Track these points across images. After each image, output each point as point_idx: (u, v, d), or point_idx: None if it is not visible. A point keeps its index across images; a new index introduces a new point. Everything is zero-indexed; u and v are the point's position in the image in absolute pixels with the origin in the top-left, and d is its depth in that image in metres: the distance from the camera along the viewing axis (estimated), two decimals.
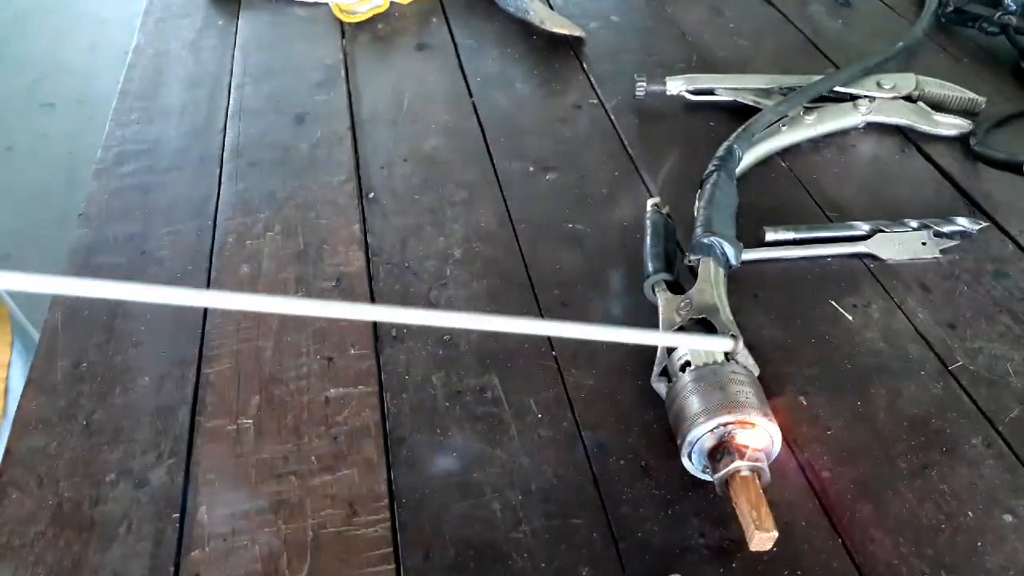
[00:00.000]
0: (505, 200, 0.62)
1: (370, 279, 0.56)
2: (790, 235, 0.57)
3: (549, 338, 0.51)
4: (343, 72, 0.77)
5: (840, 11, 0.85)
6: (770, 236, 0.56)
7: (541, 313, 0.52)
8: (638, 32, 0.83)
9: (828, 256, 0.56)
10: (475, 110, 0.72)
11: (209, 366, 0.50)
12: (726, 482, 0.40)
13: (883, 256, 0.56)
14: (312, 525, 0.42)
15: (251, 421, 0.47)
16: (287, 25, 0.86)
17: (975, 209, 0.60)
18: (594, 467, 0.44)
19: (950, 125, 0.66)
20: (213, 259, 0.58)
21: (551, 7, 0.87)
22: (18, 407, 0.48)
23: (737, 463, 0.40)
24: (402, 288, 0.55)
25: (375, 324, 0.52)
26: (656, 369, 0.46)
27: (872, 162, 0.65)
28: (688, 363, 0.44)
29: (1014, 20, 0.75)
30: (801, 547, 0.40)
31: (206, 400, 0.48)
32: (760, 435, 0.41)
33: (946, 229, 0.57)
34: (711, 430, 0.41)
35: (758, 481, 0.40)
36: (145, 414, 0.47)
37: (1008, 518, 0.41)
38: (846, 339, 0.51)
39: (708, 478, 0.42)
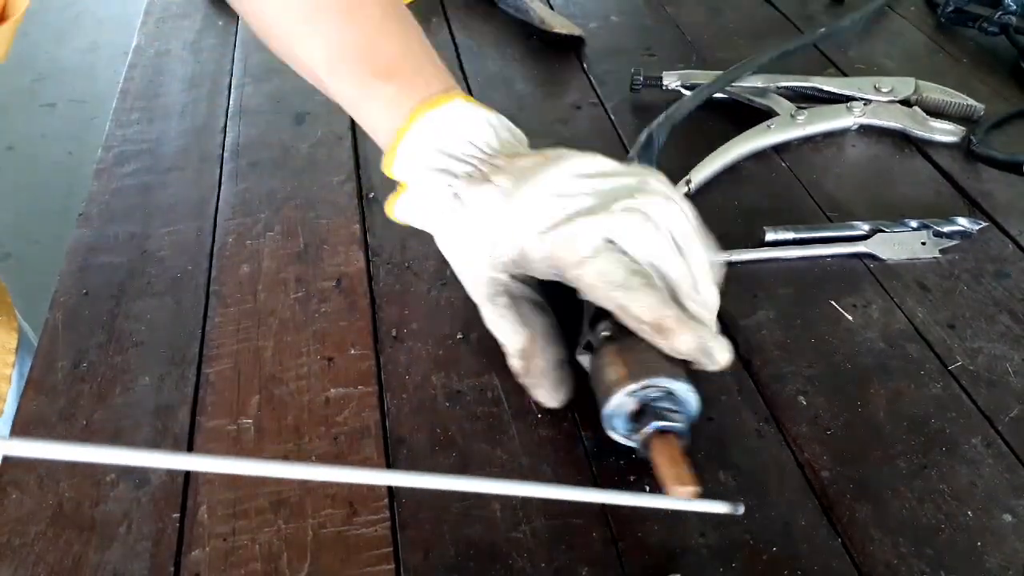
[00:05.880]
0: None
1: (370, 279, 0.56)
2: (790, 235, 0.57)
3: None
4: None
5: (839, 11, 0.85)
6: (770, 236, 0.56)
7: None
8: (638, 32, 0.83)
9: (828, 256, 0.56)
10: None
11: (209, 366, 0.50)
12: (648, 446, 0.41)
13: (883, 256, 0.56)
14: (312, 525, 0.42)
15: (251, 421, 0.47)
16: None
17: (975, 209, 0.60)
18: (594, 467, 0.44)
19: (944, 131, 0.66)
20: (213, 259, 0.58)
21: (551, 7, 0.87)
22: (18, 407, 0.48)
23: (654, 424, 0.41)
24: (402, 288, 0.55)
25: (375, 324, 0.52)
26: (580, 342, 0.47)
27: (872, 162, 0.65)
28: (609, 336, 0.45)
29: (1014, 20, 0.75)
30: (801, 547, 0.40)
31: (206, 400, 0.48)
32: (676, 397, 0.42)
33: (946, 229, 0.57)
34: (629, 394, 0.41)
35: (677, 441, 0.41)
36: (145, 414, 0.47)
37: (1008, 518, 0.41)
38: (846, 339, 0.51)
39: (633, 444, 0.43)
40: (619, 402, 0.42)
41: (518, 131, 0.50)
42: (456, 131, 0.47)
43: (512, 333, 0.46)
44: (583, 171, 0.46)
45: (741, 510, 0.40)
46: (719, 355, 0.43)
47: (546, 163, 0.46)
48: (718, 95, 0.69)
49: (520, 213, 0.45)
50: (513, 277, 0.47)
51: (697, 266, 0.44)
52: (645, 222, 0.43)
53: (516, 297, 0.47)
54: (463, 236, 0.48)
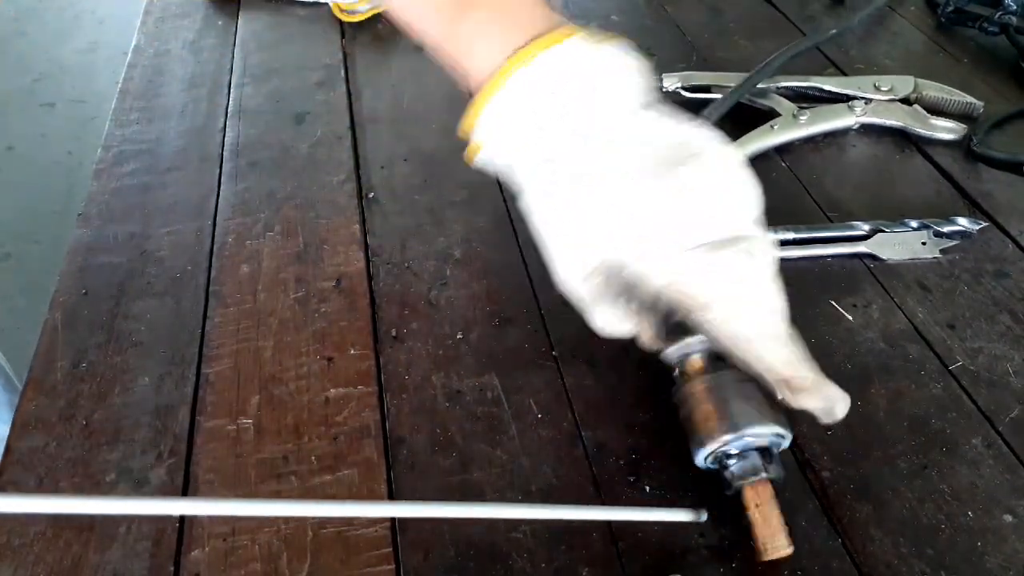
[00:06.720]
0: (505, 200, 0.62)
1: (370, 279, 0.56)
2: (790, 235, 0.57)
3: (549, 338, 0.51)
4: (343, 72, 0.77)
5: (839, 12, 0.85)
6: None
7: (541, 314, 0.52)
8: (638, 32, 0.83)
9: (828, 256, 0.56)
10: None
11: (209, 366, 0.50)
12: (749, 489, 0.40)
13: (883, 256, 0.56)
14: (312, 525, 0.42)
15: (251, 421, 0.47)
16: (287, 25, 0.86)
17: (975, 209, 0.60)
18: (594, 467, 0.44)
19: (945, 129, 0.66)
20: (213, 259, 0.58)
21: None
22: (18, 407, 0.48)
23: (777, 472, 0.40)
24: (402, 288, 0.55)
25: (375, 324, 0.52)
26: (665, 322, 0.42)
27: (872, 162, 0.65)
28: (712, 354, 0.42)
29: (1014, 20, 0.75)
30: (801, 547, 0.40)
31: (206, 400, 0.48)
32: (780, 448, 0.41)
33: (946, 229, 0.57)
34: (769, 433, 0.40)
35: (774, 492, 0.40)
36: (145, 414, 0.47)
37: (1008, 518, 0.41)
38: (846, 339, 0.51)
39: (711, 467, 0.42)
40: (753, 435, 0.40)
41: (643, 72, 0.42)
42: (560, 89, 0.39)
43: (622, 328, 0.41)
44: (709, 184, 0.38)
45: (704, 517, 0.39)
46: (840, 412, 0.39)
47: (670, 161, 0.38)
48: (719, 96, 0.69)
49: (634, 229, 0.38)
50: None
51: None
52: (774, 264, 0.39)
53: (611, 282, 0.40)
54: (555, 226, 0.40)
